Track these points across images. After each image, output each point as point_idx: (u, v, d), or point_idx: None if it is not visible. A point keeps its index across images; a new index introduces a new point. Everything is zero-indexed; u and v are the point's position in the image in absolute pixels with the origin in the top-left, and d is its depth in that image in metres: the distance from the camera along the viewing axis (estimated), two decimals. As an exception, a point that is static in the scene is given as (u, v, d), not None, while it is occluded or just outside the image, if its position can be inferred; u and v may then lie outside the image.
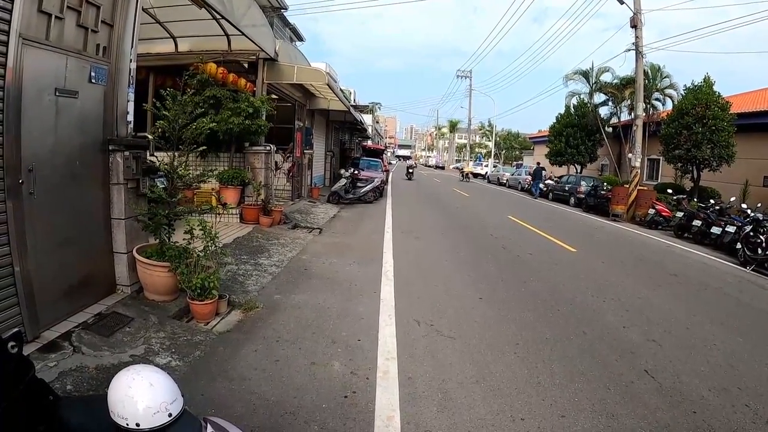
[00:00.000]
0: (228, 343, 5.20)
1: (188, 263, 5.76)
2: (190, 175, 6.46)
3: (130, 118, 5.93)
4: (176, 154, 6.28)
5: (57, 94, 4.85)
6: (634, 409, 4.52)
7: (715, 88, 21.11)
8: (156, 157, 6.51)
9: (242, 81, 11.78)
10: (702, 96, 20.67)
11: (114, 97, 5.72)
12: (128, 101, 5.89)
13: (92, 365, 4.26)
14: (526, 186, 34.09)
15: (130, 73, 5.86)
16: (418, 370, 4.99)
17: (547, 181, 31.68)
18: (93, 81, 5.36)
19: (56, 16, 4.78)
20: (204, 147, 6.54)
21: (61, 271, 5.06)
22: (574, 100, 34.47)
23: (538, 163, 34.27)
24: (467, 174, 47.04)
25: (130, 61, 5.85)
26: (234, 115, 10.74)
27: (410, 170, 43.12)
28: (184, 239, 5.97)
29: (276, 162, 14.05)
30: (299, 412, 3.99)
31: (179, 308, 5.84)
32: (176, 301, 5.99)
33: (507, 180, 40.62)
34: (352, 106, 27.74)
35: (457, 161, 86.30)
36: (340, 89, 24.28)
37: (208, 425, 2.05)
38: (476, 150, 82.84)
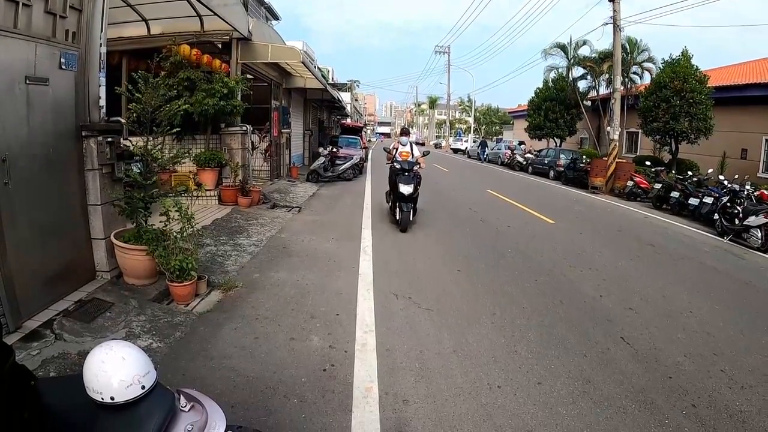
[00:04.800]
0: (208, 323, 5.24)
1: (166, 246, 5.75)
2: (165, 157, 6.42)
3: (103, 103, 5.86)
4: (150, 137, 6.24)
5: (27, 82, 4.78)
6: (610, 375, 4.64)
7: (693, 61, 21.20)
8: (130, 141, 6.47)
9: (216, 62, 11.65)
10: (680, 69, 20.72)
11: (85, 83, 5.65)
12: (100, 86, 5.82)
13: (74, 351, 4.27)
14: (506, 160, 34.39)
15: (100, 58, 5.78)
16: (396, 341, 5.08)
17: (526, 155, 32.04)
18: (63, 67, 5.30)
19: (24, 3, 4.70)
20: (178, 129, 6.50)
21: (40, 260, 5.04)
22: (553, 74, 34.54)
23: (483, 137, 51.02)
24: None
25: (101, 46, 5.77)
26: (209, 97, 10.64)
27: (410, 175, 10.79)
28: (160, 222, 5.95)
29: (252, 142, 13.97)
30: (279, 386, 4.05)
31: (159, 291, 5.86)
32: (156, 284, 6.00)
33: (487, 155, 40.69)
34: (330, 84, 27.58)
35: (438, 137, 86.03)
36: (318, 67, 24.11)
37: (181, 396, 2.10)
38: (456, 126, 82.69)
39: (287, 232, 9.78)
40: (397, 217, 10.76)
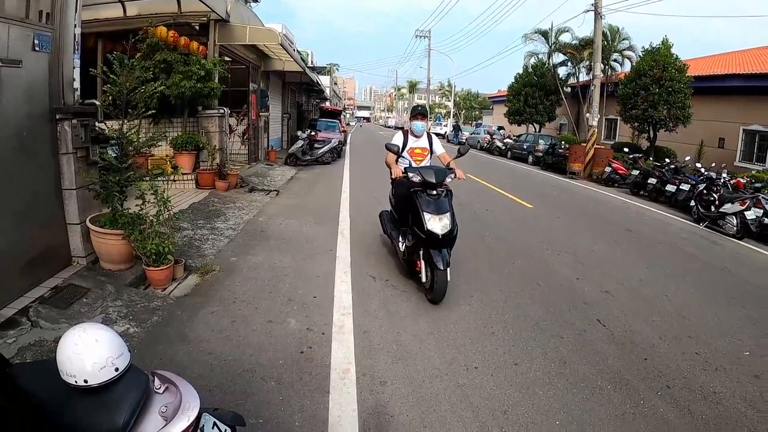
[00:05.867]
0: (185, 307, 5.22)
1: (142, 229, 5.69)
2: (141, 140, 6.34)
3: (77, 85, 5.75)
4: (126, 120, 6.15)
5: (0, 64, 4.69)
6: (586, 357, 4.73)
7: (673, 50, 21.48)
8: (106, 124, 6.38)
9: (194, 44, 11.49)
10: (660, 58, 21.00)
11: (59, 65, 5.53)
12: (74, 68, 5.71)
13: (51, 338, 4.22)
14: (486, 144, 34.68)
15: (75, 39, 5.67)
16: (374, 323, 5.12)
17: (505, 140, 32.34)
18: (37, 49, 5.18)
19: (-4, -16, 4.60)
20: (153, 111, 6.41)
21: (15, 247, 4.96)
22: (533, 60, 34.67)
23: (456, 122, 53.84)
24: None
25: (75, 27, 5.66)
26: (185, 79, 10.50)
27: (441, 195, 5.95)
28: (136, 206, 5.89)
29: (230, 125, 13.85)
30: (256, 369, 4.06)
31: (136, 276, 5.81)
32: (132, 269, 5.94)
33: (466, 139, 40.82)
34: (309, 67, 27.34)
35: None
36: (297, 51, 23.90)
37: (155, 378, 2.10)
38: (436, 110, 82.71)
39: (265, 216, 9.72)
40: (423, 279, 5.78)
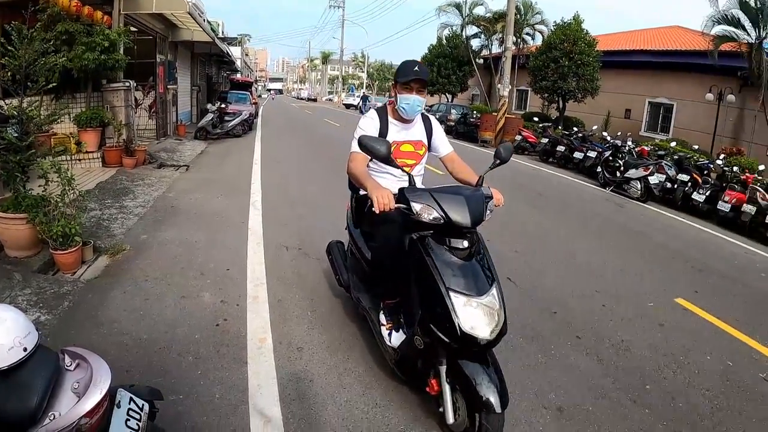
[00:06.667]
0: (96, 290, 5.09)
1: (47, 211, 5.48)
2: (42, 116, 6.08)
3: (-28, 61, 5.47)
4: (25, 95, 5.87)
5: None
6: (497, 313, 4.99)
7: (584, 26, 22.52)
8: (4, 101, 6.08)
9: (98, 14, 10.94)
10: (570, 32, 21.95)
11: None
12: (-31, 42, 5.42)
13: (-41, 336, 4.08)
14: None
15: (-32, 11, 5.37)
16: (288, 292, 5.20)
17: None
18: (-74, 22, 4.89)
19: None
20: (54, 84, 6.16)
21: None
22: (447, 32, 35.18)
23: (365, 93, 53.34)
24: None
25: (-32, -4, 5.36)
26: (88, 51, 10.05)
27: (471, 251, 3.01)
28: (39, 186, 5.66)
29: (136, 99, 13.40)
30: (172, 345, 4.06)
31: (44, 261, 5.61)
32: (40, 254, 5.73)
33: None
34: (219, 38, 26.64)
35: (330, 93, 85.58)
36: (207, 21, 23.24)
37: (65, 355, 2.10)
38: (349, 81, 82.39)
39: (175, 191, 9.52)
40: (449, 418, 2.87)
